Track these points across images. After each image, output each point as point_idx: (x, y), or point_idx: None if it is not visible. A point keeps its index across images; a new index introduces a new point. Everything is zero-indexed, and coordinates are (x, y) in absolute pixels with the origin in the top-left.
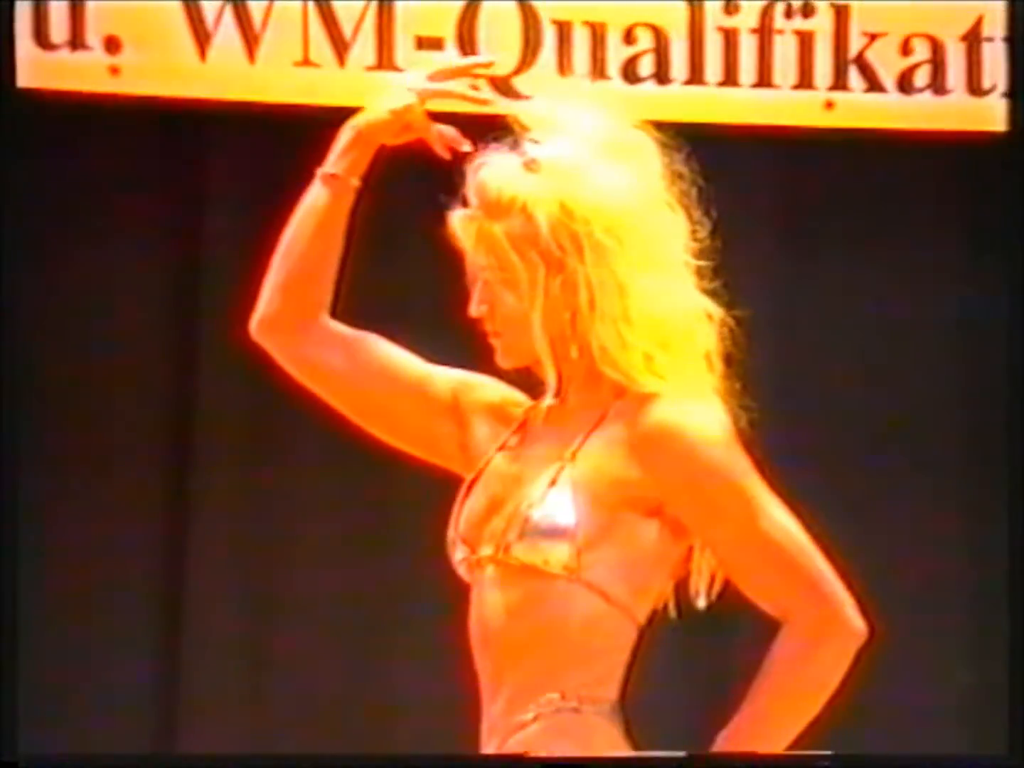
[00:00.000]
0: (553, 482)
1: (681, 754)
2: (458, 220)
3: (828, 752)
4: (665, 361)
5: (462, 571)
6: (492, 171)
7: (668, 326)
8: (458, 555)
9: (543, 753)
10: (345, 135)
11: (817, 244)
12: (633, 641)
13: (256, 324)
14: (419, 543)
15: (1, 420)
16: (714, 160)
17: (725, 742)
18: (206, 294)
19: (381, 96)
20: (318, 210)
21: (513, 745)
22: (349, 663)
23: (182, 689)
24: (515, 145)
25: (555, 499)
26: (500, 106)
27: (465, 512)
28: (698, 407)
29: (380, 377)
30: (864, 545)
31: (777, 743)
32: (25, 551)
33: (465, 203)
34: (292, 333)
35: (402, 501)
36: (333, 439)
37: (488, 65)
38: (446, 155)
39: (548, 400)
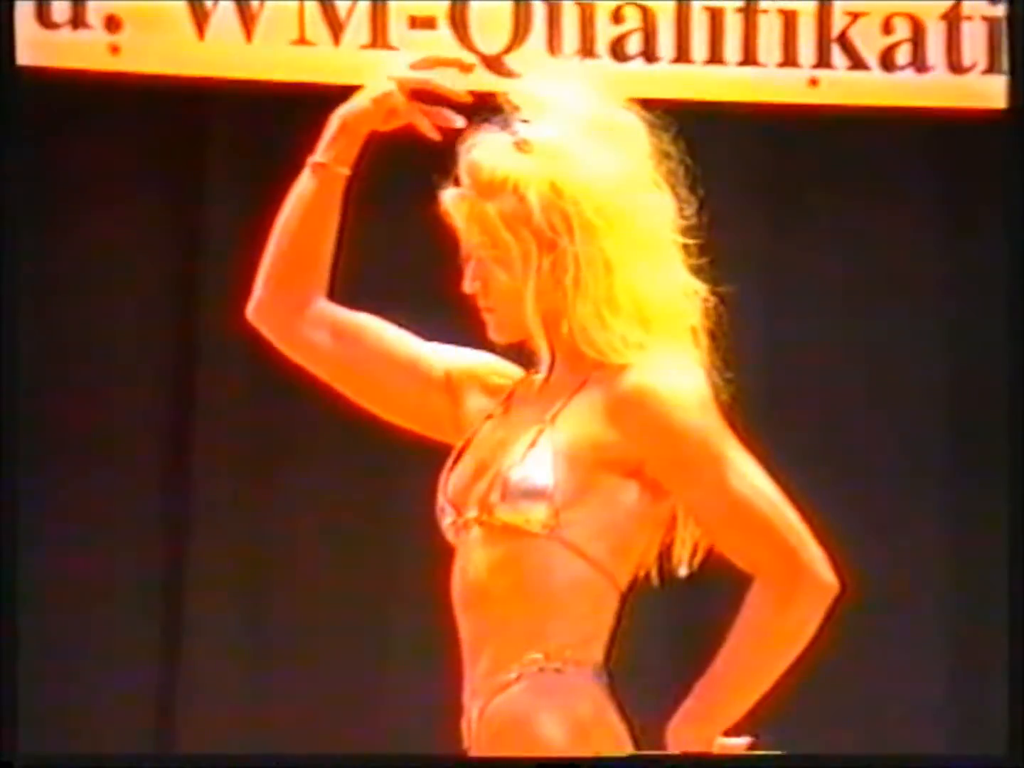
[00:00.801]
0: (533, 444)
1: (679, 754)
2: (451, 199)
3: (829, 753)
4: (646, 339)
5: (450, 536)
6: (483, 151)
7: (653, 304)
8: (446, 520)
9: (526, 712)
10: (332, 124)
11: (802, 218)
12: (615, 604)
13: (252, 308)
14: (422, 535)
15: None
16: (700, 137)
17: (697, 694)
18: (205, 274)
19: (368, 85)
20: (308, 198)
21: (497, 704)
22: (349, 659)
23: (180, 689)
24: (506, 125)
25: (534, 460)
26: (466, 96)
27: (452, 478)
28: (674, 371)
29: (375, 357)
30: (852, 525)
31: (748, 695)
32: (25, 551)
33: (457, 182)
34: (287, 317)
35: (404, 494)
36: (335, 435)
37: (469, 68)
38: (435, 136)
39: (539, 373)
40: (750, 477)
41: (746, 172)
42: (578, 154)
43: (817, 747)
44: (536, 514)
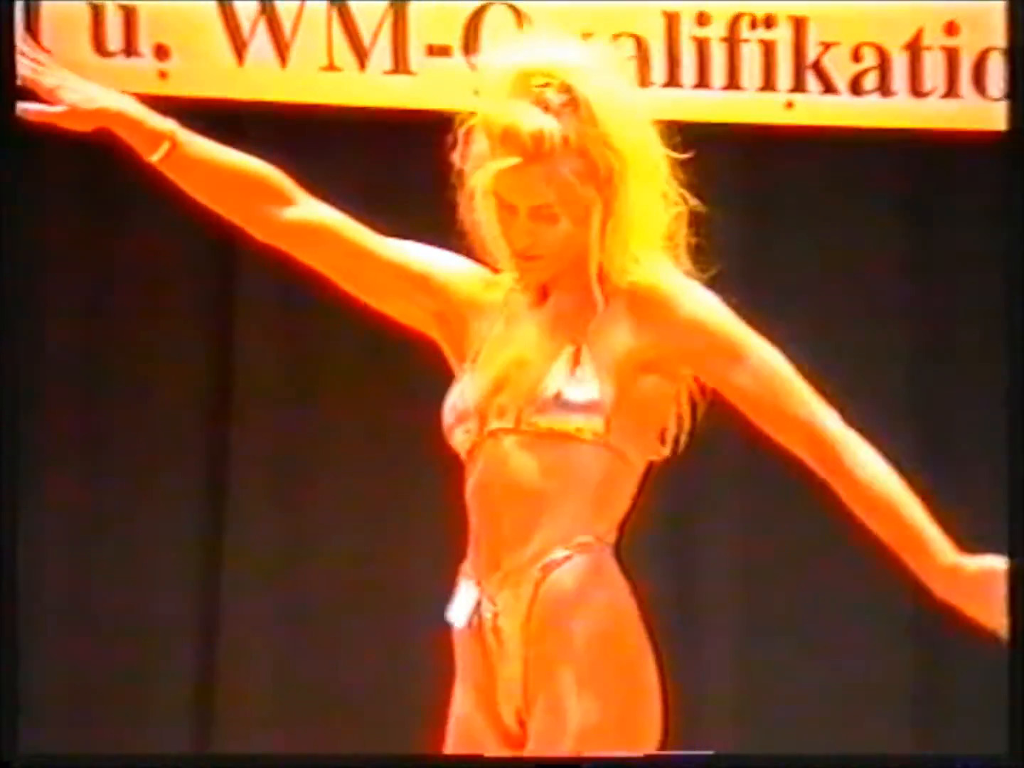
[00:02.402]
0: (577, 361)
1: (679, 754)
2: (505, 170)
3: (828, 753)
4: (652, 256)
5: (465, 445)
6: (532, 119)
7: (656, 226)
8: (463, 429)
9: (584, 584)
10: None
11: (779, 228)
12: (635, 490)
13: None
14: (451, 529)
15: (27, 417)
16: (687, 152)
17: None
18: (242, 274)
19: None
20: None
21: (558, 576)
22: (374, 658)
23: (190, 689)
24: (528, 97)
25: (583, 375)
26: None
27: (467, 392)
28: (683, 277)
29: (355, 253)
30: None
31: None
32: (23, 551)
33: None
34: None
35: (432, 486)
36: (364, 436)
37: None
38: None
39: (521, 289)
40: (774, 352)
41: (728, 184)
42: (612, 109)
43: (817, 747)
44: (592, 424)
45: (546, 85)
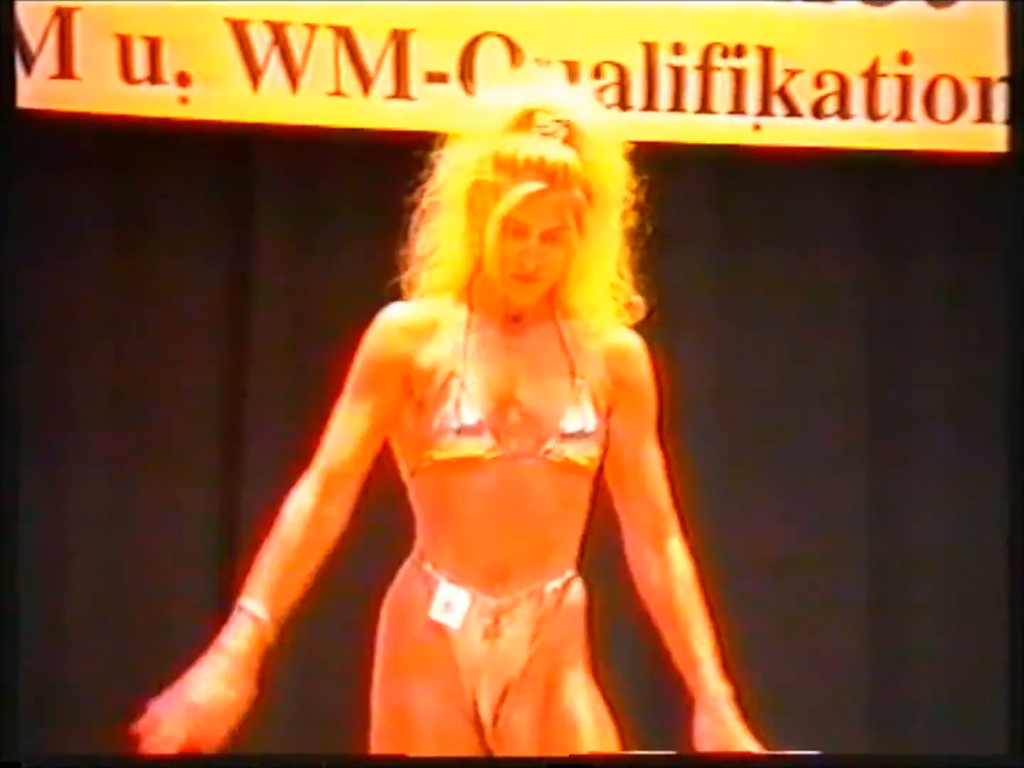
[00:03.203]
0: (577, 397)
1: (678, 754)
2: (529, 193)
3: (829, 753)
4: (612, 306)
5: (466, 454)
6: (557, 151)
7: (612, 280)
8: (473, 443)
9: (582, 604)
10: None
11: (747, 241)
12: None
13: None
14: None
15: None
16: (664, 170)
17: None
18: (257, 296)
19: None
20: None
21: (574, 594)
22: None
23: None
24: (538, 130)
25: (586, 409)
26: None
27: (463, 408)
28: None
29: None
30: (849, 523)
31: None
32: (25, 550)
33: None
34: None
35: None
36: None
37: None
38: None
39: (486, 312)
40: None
41: (700, 200)
42: (603, 151)
43: (817, 747)
44: (591, 454)
45: (548, 121)
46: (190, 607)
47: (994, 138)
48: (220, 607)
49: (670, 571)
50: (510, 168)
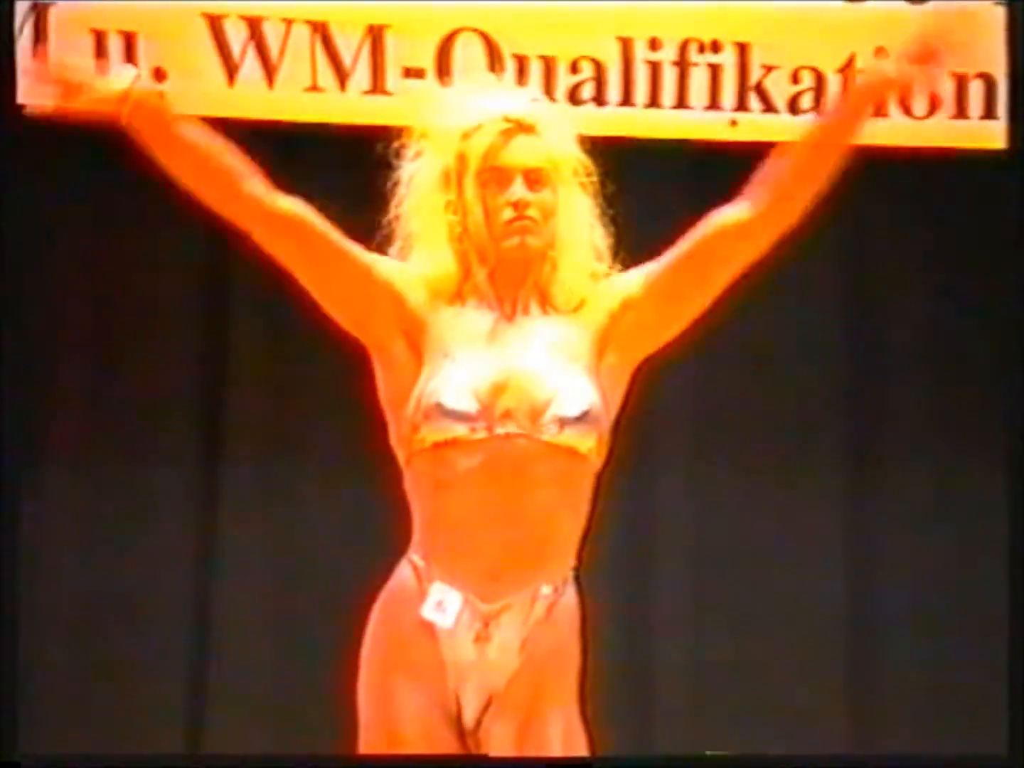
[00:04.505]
0: (579, 381)
1: (677, 754)
2: (500, 131)
3: (829, 752)
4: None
5: (453, 434)
6: (518, 107)
7: (591, 264)
8: (466, 428)
9: (576, 609)
10: None
11: None
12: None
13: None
14: None
15: (28, 416)
16: (641, 165)
17: None
18: (236, 292)
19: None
20: None
21: (567, 601)
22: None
23: (185, 687)
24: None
25: (585, 390)
26: None
27: (461, 391)
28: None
29: (329, 247)
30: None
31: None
32: (24, 551)
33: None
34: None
35: None
36: (357, 438)
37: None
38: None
39: (483, 283)
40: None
41: (675, 195)
42: (561, 138)
43: (817, 746)
44: (588, 441)
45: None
46: (171, 605)
47: (972, 135)
48: (200, 605)
49: None
50: (474, 132)
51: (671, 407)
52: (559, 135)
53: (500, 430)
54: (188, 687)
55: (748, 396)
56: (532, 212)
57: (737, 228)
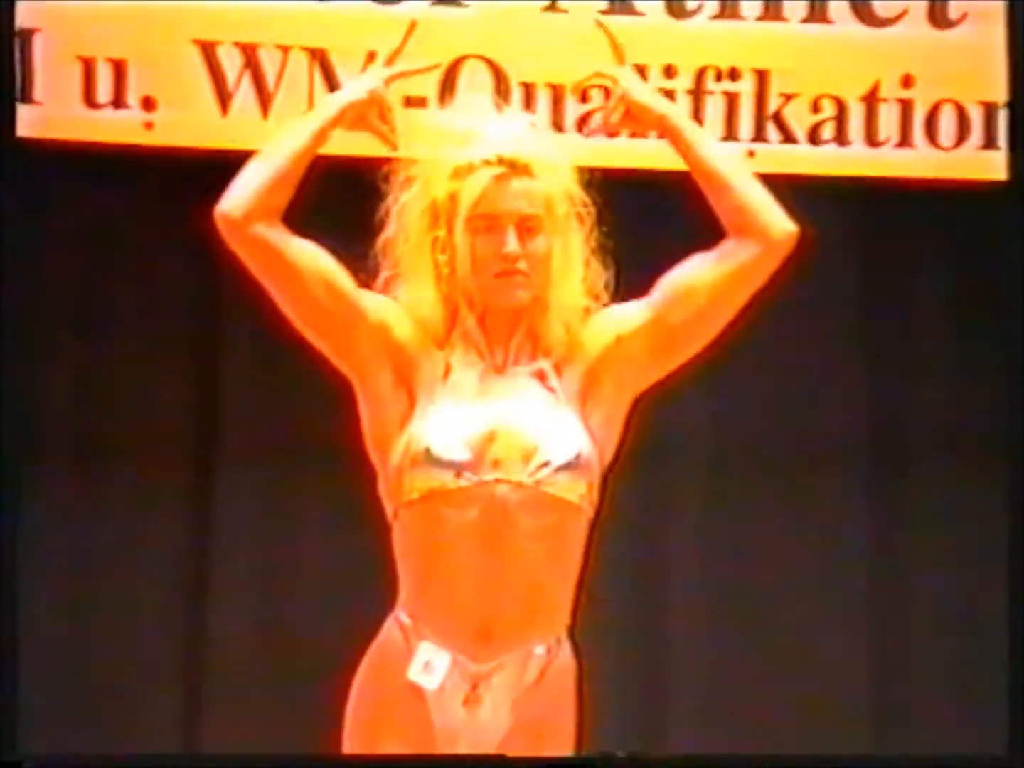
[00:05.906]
0: (563, 426)
1: (676, 755)
2: (493, 176)
3: (829, 753)
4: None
5: (439, 483)
6: (509, 146)
7: (582, 301)
8: (453, 476)
9: (572, 671)
10: (331, 108)
11: None
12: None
13: (242, 210)
14: None
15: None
16: (655, 197)
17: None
18: (225, 310)
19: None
20: (315, 133)
21: (561, 661)
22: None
23: (186, 688)
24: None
25: (576, 436)
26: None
27: (453, 440)
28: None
29: (322, 277)
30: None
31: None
32: (24, 551)
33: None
34: (268, 221)
35: None
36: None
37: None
38: (393, 147)
39: (473, 330)
40: None
41: (688, 228)
42: (553, 175)
43: (817, 746)
44: (578, 488)
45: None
46: (165, 606)
47: (999, 166)
48: (195, 606)
49: None
50: (466, 171)
51: (686, 431)
52: (555, 175)
53: (488, 477)
54: (186, 687)
55: (765, 425)
56: (522, 265)
57: (731, 267)
